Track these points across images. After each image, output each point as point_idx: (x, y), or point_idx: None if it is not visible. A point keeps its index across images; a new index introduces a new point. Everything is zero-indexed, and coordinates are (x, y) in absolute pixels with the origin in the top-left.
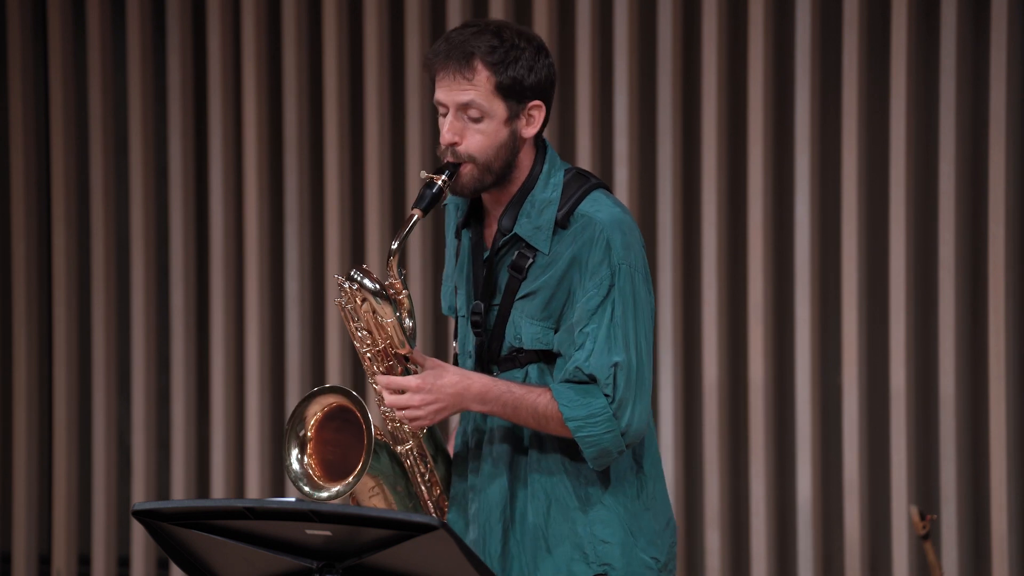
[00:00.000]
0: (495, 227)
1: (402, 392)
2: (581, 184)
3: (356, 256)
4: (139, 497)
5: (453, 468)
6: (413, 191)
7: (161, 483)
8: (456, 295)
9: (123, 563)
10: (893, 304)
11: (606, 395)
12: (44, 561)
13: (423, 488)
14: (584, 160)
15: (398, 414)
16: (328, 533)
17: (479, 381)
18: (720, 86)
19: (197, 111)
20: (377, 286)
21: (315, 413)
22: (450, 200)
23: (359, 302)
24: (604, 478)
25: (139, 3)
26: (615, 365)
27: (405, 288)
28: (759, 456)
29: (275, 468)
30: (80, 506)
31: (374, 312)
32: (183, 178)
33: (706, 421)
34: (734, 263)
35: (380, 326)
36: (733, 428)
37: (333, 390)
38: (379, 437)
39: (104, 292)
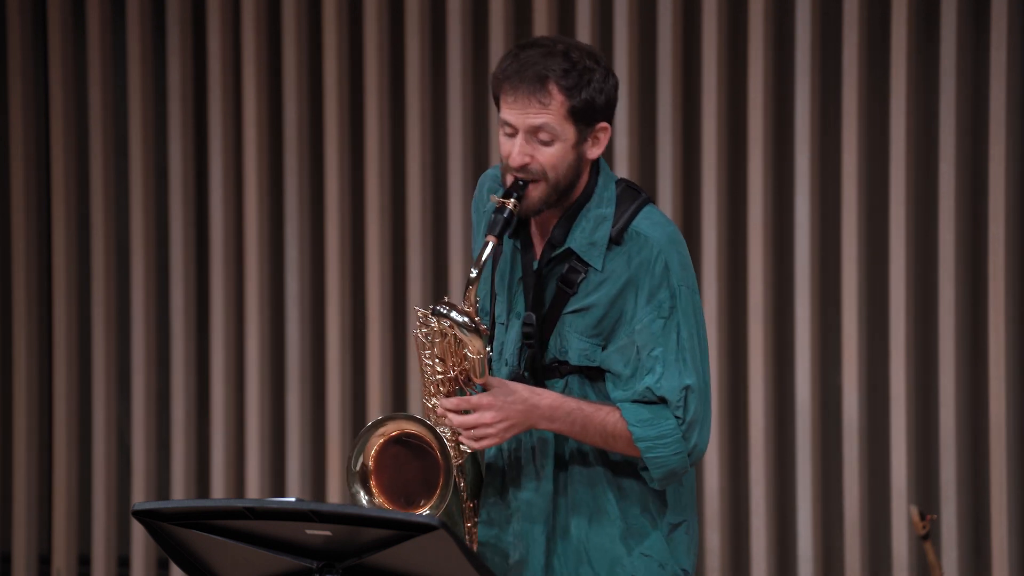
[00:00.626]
0: (543, 237)
1: (468, 412)
2: (633, 199)
3: (356, 256)
4: (139, 497)
5: (488, 480)
6: (413, 191)
7: (161, 483)
8: (494, 300)
9: (123, 563)
10: (893, 304)
11: (677, 417)
12: (44, 561)
13: (459, 497)
14: None
15: (466, 434)
16: (328, 533)
17: (548, 398)
18: (720, 86)
19: (197, 111)
20: (466, 319)
21: (373, 446)
22: (486, 179)
23: (443, 335)
24: (644, 492)
25: (139, 3)
26: (686, 388)
27: (478, 315)
28: (759, 456)
29: (275, 468)
30: (80, 506)
31: (459, 343)
32: (183, 178)
33: None
34: (734, 263)
35: (458, 354)
36: (733, 428)
37: (395, 418)
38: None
39: (104, 292)
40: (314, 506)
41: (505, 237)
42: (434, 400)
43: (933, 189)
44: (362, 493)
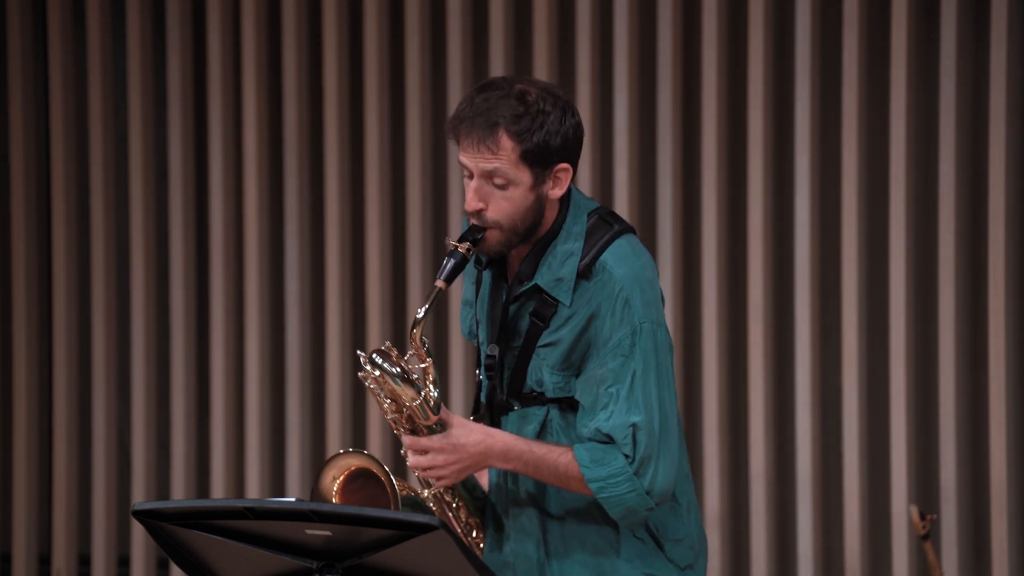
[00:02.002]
0: (517, 268)
1: (425, 452)
2: (604, 232)
3: (356, 256)
4: (139, 497)
5: (490, 503)
6: (413, 191)
7: (161, 483)
8: (478, 326)
9: (123, 563)
10: (893, 304)
11: (626, 455)
12: (44, 561)
13: (450, 516)
14: (584, 160)
15: (422, 474)
16: (328, 533)
17: (501, 440)
18: (720, 86)
19: (197, 111)
20: (398, 369)
21: (337, 480)
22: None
23: (382, 381)
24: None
25: (139, 3)
26: (633, 426)
27: (429, 357)
28: (759, 456)
29: (275, 468)
30: (80, 506)
31: (397, 392)
32: (183, 178)
33: (706, 421)
34: (734, 263)
35: (404, 395)
36: (733, 428)
37: (349, 454)
38: (404, 492)
39: (104, 292)
40: (314, 506)
41: (484, 269)
42: (402, 435)
43: (933, 189)
44: None
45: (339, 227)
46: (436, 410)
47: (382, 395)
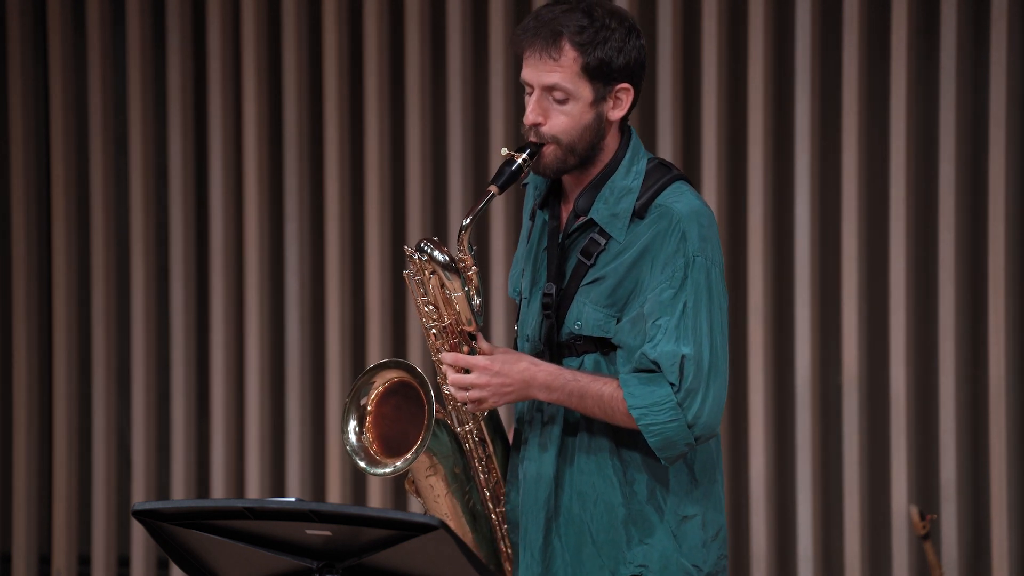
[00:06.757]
0: (572, 206)
1: (467, 372)
2: (663, 175)
3: (356, 256)
4: (139, 497)
5: (511, 454)
6: (413, 190)
7: (161, 483)
8: (523, 277)
9: (123, 563)
10: (893, 304)
11: (671, 384)
12: (44, 561)
13: (480, 474)
14: None
15: (459, 394)
16: (328, 533)
17: (546, 369)
18: (720, 86)
19: (197, 111)
20: (447, 258)
21: (377, 387)
22: (530, 181)
23: (427, 274)
24: (652, 481)
25: (139, 3)
26: (682, 356)
27: (475, 265)
28: (759, 456)
29: (275, 468)
30: (80, 506)
31: (443, 286)
32: (183, 178)
33: None
34: (734, 263)
35: (448, 301)
36: (733, 428)
37: (396, 365)
38: (440, 416)
39: (104, 292)
40: (314, 506)
41: (537, 210)
42: (441, 352)
43: (933, 189)
44: (353, 425)
45: (339, 227)
46: (479, 318)
47: (423, 293)
